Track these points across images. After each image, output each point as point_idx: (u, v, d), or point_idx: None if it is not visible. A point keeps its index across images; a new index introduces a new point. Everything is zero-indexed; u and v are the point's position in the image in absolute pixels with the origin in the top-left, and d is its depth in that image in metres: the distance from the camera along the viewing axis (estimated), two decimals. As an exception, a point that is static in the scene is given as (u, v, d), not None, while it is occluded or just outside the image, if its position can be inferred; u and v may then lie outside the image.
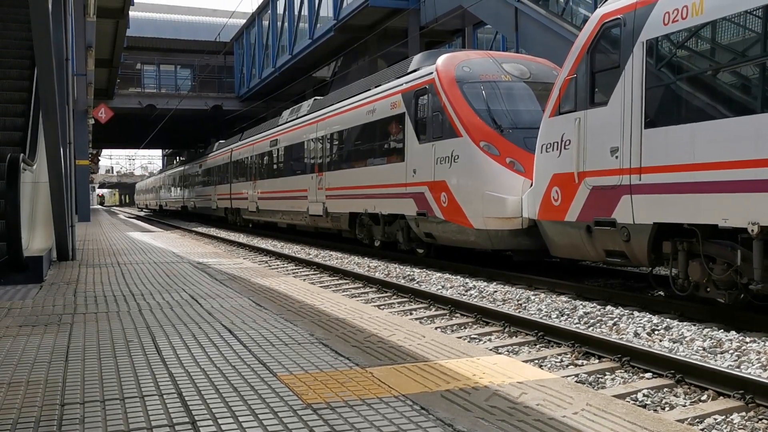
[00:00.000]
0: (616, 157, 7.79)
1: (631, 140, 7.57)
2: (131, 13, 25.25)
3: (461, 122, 10.94)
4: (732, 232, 6.57)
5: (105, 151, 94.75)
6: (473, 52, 12.39)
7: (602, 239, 8.09)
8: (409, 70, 13.07)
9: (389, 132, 13.46)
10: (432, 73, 11.78)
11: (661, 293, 8.22)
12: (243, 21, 42.19)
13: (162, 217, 47.52)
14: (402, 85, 12.99)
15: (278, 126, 21.49)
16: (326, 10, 27.42)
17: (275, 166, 21.24)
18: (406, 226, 13.01)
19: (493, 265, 11.35)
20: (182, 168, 41.85)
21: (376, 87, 14.45)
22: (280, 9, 33.85)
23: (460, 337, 6.60)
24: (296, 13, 31.07)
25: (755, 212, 6.12)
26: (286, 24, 32.57)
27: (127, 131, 47.78)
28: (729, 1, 6.49)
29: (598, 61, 8.22)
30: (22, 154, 7.26)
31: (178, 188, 42.23)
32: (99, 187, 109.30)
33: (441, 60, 11.79)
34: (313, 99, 19.88)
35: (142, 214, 59.35)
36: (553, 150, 8.98)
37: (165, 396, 2.98)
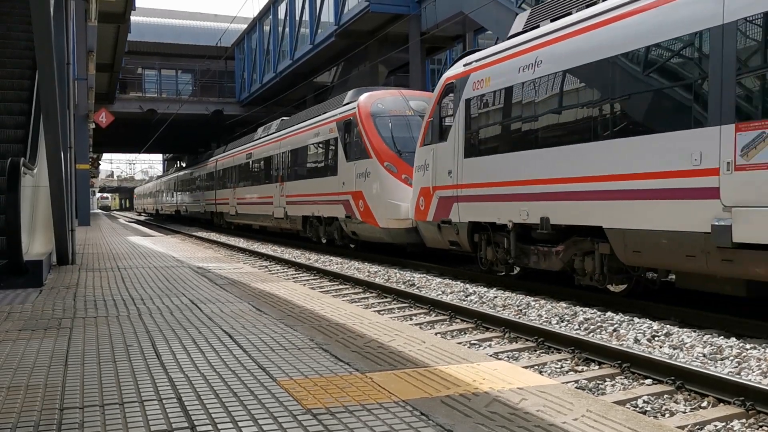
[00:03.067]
0: (451, 176, 11.16)
1: (458, 165, 10.97)
2: (132, 18, 25.29)
3: (372, 147, 14.36)
4: (503, 227, 9.92)
5: (105, 156, 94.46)
6: (389, 92, 15.72)
7: (446, 233, 11.50)
8: (343, 103, 16.30)
9: (328, 151, 16.89)
10: (355, 108, 15.19)
11: (485, 271, 11.20)
12: (244, 26, 42.22)
13: (161, 221, 47.71)
14: (337, 114, 16.38)
15: (253, 141, 24.88)
16: (327, 15, 27.48)
17: (250, 176, 24.59)
18: (339, 226, 16.30)
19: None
20: (175, 175, 44.81)
21: (323, 114, 17.72)
22: (282, 14, 33.92)
23: (460, 343, 6.59)
24: (297, 18, 31.13)
25: (510, 214, 9.67)
26: (287, 29, 32.63)
27: (128, 136, 47.80)
28: (500, 79, 9.92)
29: (443, 110, 11.57)
30: (22, 158, 7.27)
31: (172, 193, 45.20)
32: (99, 191, 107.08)
33: (362, 97, 15.25)
34: (280, 119, 23.32)
35: (141, 218, 59.44)
36: (421, 170, 12.24)
37: (164, 401, 2.98)
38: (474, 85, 10.57)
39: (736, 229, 6.33)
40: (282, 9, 33.79)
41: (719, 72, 6.56)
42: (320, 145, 17.35)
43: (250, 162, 24.42)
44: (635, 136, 7.47)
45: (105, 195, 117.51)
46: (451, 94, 11.27)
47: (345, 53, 27.20)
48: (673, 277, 7.86)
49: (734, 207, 6.40)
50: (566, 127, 8.55)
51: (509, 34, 10.46)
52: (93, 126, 25.34)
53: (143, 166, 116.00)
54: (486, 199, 10.21)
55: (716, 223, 6.52)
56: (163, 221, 47.47)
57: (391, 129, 14.43)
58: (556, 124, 8.76)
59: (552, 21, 9.38)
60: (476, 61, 10.75)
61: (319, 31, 28.35)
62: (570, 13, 9.10)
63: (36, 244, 8.59)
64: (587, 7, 8.79)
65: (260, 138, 23.94)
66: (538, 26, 9.68)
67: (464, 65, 11.09)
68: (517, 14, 16.71)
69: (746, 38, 6.32)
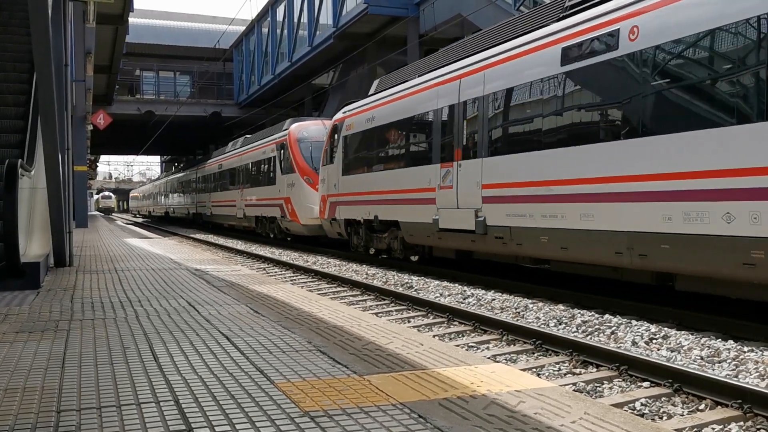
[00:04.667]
0: (336, 188, 16.06)
1: (339, 181, 15.87)
2: (131, 20, 25.26)
3: (296, 165, 19.76)
4: (360, 222, 14.85)
5: (103, 157, 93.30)
6: (314, 122, 21.05)
7: (335, 227, 16.46)
8: (282, 129, 21.62)
9: (270, 166, 22.26)
10: (287, 134, 20.62)
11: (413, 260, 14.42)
12: (242, 28, 42.21)
13: (156, 222, 48.05)
14: (277, 138, 21.83)
15: (224, 154, 30.50)
16: (326, 17, 27.48)
17: (220, 183, 30.21)
18: (277, 224, 21.76)
19: (488, 273, 11.35)
20: (165, 180, 50.95)
21: (270, 136, 23.07)
22: (280, 16, 33.92)
23: (458, 345, 6.59)
24: (296, 20, 31.13)
25: (363, 213, 14.48)
26: (285, 31, 32.63)
27: (126, 137, 47.75)
28: (357, 125, 14.86)
29: (333, 142, 16.52)
30: (20, 160, 7.26)
31: (162, 197, 51.03)
32: (97, 192, 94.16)
33: (293, 126, 20.69)
34: (243, 137, 28.47)
35: (139, 220, 59.59)
36: (322, 183, 17.20)
37: (162, 403, 2.97)
38: (346, 128, 15.65)
39: (440, 221, 11.37)
40: (280, 11, 33.79)
41: (435, 136, 11.62)
42: (266, 161, 22.78)
43: (221, 172, 30.17)
44: (408, 168, 12.60)
45: (107, 193, 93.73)
46: (336, 132, 16.36)
47: (343, 55, 27.20)
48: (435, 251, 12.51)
49: (440, 209, 11.38)
50: (383, 160, 13.79)
51: (368, 94, 15.55)
52: (91, 128, 25.31)
53: (141, 168, 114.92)
54: (352, 204, 15.14)
55: (434, 218, 11.52)
56: (158, 223, 47.82)
57: (311, 151, 19.69)
58: (379, 158, 13.99)
59: (388, 89, 14.17)
60: (350, 110, 15.80)
61: (317, 33, 28.35)
62: (401, 82, 13.64)
63: (33, 246, 8.57)
64: (402, 83, 13.52)
65: (229, 152, 29.46)
66: (382, 90, 14.49)
67: (343, 112, 16.27)
68: (514, 16, 16.80)
69: (443, 119, 11.41)
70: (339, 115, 16.48)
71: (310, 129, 20.26)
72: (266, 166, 22.53)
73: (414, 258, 13.32)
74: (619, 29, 7.67)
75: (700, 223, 6.62)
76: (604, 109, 7.97)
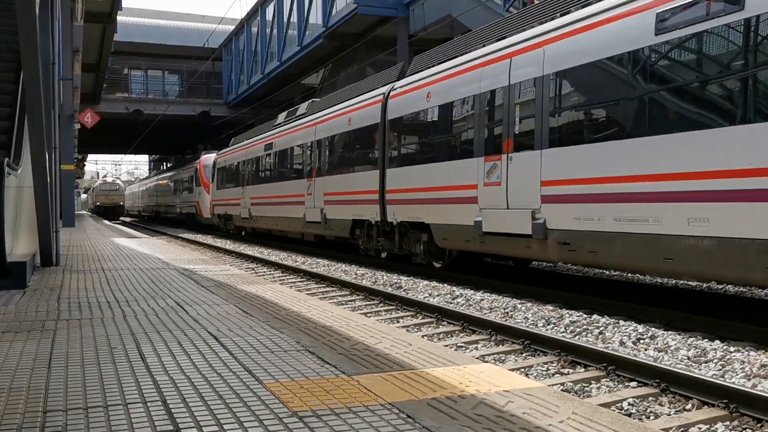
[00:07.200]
0: (214, 196, 29.00)
1: (215, 192, 28.64)
2: (119, 18, 25.15)
3: (202, 181, 32.00)
4: (223, 215, 27.64)
5: (91, 156, 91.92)
6: (212, 155, 31.40)
7: (215, 218, 28.91)
8: (199, 158, 33.24)
9: (190, 181, 34.45)
10: (198, 161, 33.09)
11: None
12: (232, 27, 42.09)
13: (145, 222, 48.30)
14: (195, 163, 33.80)
15: (171, 170, 42.45)
16: (315, 17, 27.45)
17: (168, 190, 42.21)
18: (195, 217, 33.75)
19: (477, 273, 11.37)
20: (138, 185, 63.85)
21: (194, 162, 34.62)
22: (269, 16, 33.86)
23: (446, 345, 6.60)
24: (285, 20, 31.08)
25: (224, 210, 27.42)
26: (275, 31, 32.58)
27: (114, 136, 47.49)
28: (225, 162, 27.69)
29: (214, 170, 29.57)
30: (6, 159, 7.20)
31: (137, 199, 62.40)
32: (85, 192, 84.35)
33: (202, 157, 32.92)
34: (184, 158, 42.89)
35: (127, 219, 59.55)
36: (211, 192, 30.16)
37: (149, 403, 2.96)
38: (219, 163, 27.90)
39: (241, 214, 24.07)
40: (270, 10, 33.73)
41: (249, 173, 23.52)
42: (191, 177, 34.44)
43: (168, 183, 42.29)
44: (235, 188, 25.15)
45: (111, 181, 64.85)
46: (217, 165, 28.16)
47: (333, 55, 27.18)
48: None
49: (241, 208, 24.27)
50: (229, 183, 25.71)
51: (230, 145, 27.41)
52: (78, 126, 25.17)
53: (129, 167, 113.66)
54: (220, 205, 27.06)
55: (242, 212, 24.08)
56: (144, 222, 48.34)
57: (210, 173, 30.35)
58: (228, 182, 25.66)
59: (235, 144, 26.08)
60: (220, 153, 28.02)
61: (307, 32, 28.32)
62: (243, 140, 24.46)
63: (20, 245, 8.51)
64: (241, 142, 24.87)
65: (173, 169, 41.82)
66: (234, 144, 26.21)
67: (217, 154, 29.26)
68: (503, 17, 16.83)
69: (251, 165, 23.54)
70: (217, 155, 29.16)
71: (210, 158, 31.51)
72: (190, 180, 34.49)
73: (242, 233, 25.31)
74: (315, 129, 17.03)
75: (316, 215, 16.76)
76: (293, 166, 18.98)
